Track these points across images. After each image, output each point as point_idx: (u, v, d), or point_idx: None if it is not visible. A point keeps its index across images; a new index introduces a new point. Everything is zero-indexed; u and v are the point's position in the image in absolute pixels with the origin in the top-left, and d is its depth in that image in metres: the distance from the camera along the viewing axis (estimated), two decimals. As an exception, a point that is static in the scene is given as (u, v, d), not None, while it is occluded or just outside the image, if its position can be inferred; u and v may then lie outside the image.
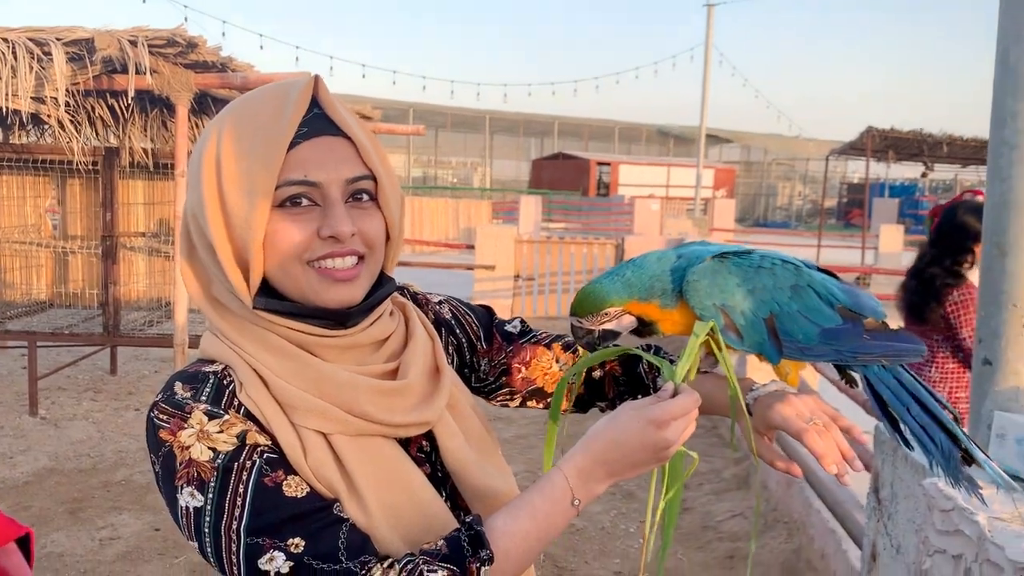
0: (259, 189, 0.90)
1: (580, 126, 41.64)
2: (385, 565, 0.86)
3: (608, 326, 1.10)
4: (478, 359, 1.18)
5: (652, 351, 1.18)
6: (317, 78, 0.96)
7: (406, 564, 0.86)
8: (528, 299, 10.49)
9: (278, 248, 0.92)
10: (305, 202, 0.92)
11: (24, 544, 1.27)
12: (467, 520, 0.91)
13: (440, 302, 1.18)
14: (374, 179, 0.97)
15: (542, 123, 40.56)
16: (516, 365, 1.19)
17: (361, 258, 0.96)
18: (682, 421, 0.92)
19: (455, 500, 1.02)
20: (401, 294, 1.13)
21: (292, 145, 0.91)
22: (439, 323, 1.15)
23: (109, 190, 5.96)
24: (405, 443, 1.00)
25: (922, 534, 1.53)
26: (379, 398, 0.95)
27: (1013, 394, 1.64)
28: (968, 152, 15.61)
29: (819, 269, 1.15)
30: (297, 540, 0.86)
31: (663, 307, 1.08)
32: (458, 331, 1.17)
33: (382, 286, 1.02)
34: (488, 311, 1.23)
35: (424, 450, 1.02)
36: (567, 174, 32.42)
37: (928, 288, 3.21)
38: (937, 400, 1.09)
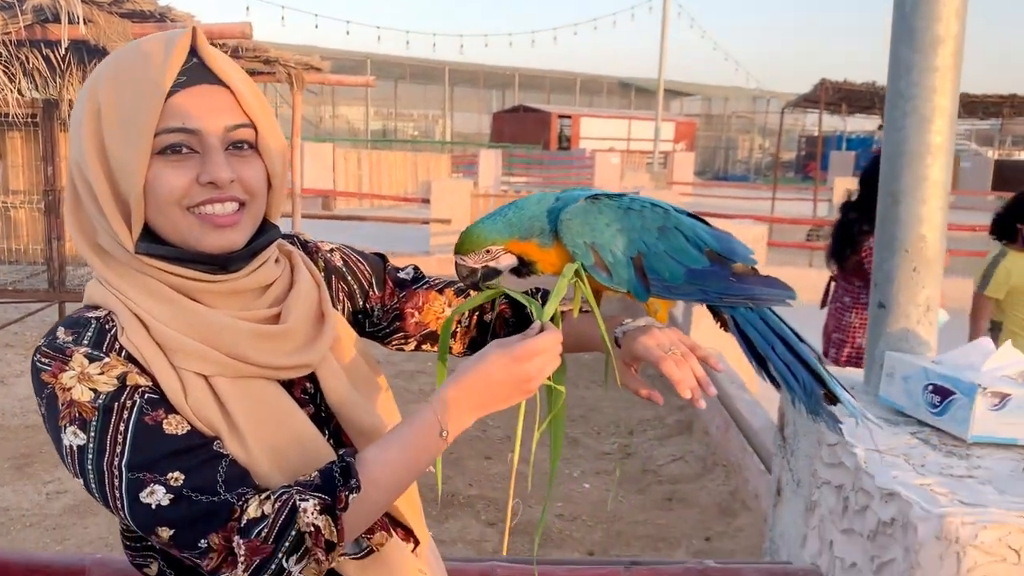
0: (138, 136, 0.92)
1: (541, 78, 41.30)
2: (262, 497, 0.91)
3: (490, 264, 1.14)
4: (371, 305, 1.22)
5: (540, 294, 1.23)
6: (195, 29, 0.98)
7: (281, 495, 0.91)
8: (484, 252, 10.51)
9: (158, 194, 0.95)
10: (185, 150, 0.95)
11: None
12: (340, 453, 0.96)
13: (332, 250, 1.21)
14: (255, 128, 0.99)
15: (503, 75, 40.15)
16: (409, 310, 1.23)
17: (242, 205, 0.99)
18: (544, 357, 0.97)
19: (339, 438, 1.07)
20: (292, 243, 1.16)
21: (171, 94, 0.94)
22: (330, 270, 1.19)
23: (50, 144, 5.84)
24: (289, 384, 1.04)
25: (813, 467, 1.62)
26: (259, 342, 0.99)
27: (903, 335, 1.72)
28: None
29: (692, 216, 1.20)
30: (176, 474, 0.90)
31: (541, 246, 1.13)
32: (349, 278, 1.20)
33: (266, 234, 1.05)
34: (382, 258, 1.27)
35: (308, 391, 1.06)
36: (528, 127, 32.23)
37: (846, 235, 3.30)
38: (803, 342, 1.16)
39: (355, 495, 0.91)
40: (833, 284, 3.81)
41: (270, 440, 0.97)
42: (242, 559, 0.89)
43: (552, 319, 1.03)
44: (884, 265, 1.73)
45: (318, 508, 0.90)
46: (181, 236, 0.97)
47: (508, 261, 1.15)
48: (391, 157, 19.45)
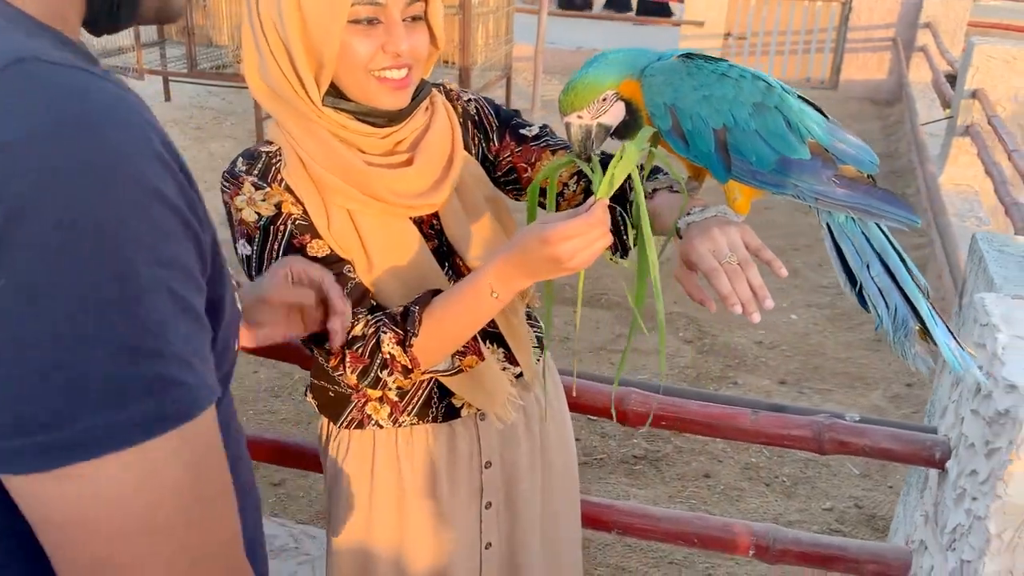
0: (338, 9, 1.07)
1: None
2: (368, 318, 1.13)
3: (602, 119, 1.10)
4: (492, 154, 1.32)
5: (653, 170, 1.24)
6: None
7: (375, 321, 1.13)
8: (737, 60, 9.96)
9: (350, 58, 1.10)
10: (373, 21, 1.09)
11: None
12: (419, 297, 1.15)
13: (468, 100, 1.31)
14: (425, 1, 1.13)
15: None
16: (522, 165, 1.29)
17: (410, 69, 1.14)
18: (577, 241, 0.99)
19: (459, 270, 1.24)
20: (438, 90, 1.29)
21: None
22: (467, 117, 1.30)
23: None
24: (420, 221, 1.22)
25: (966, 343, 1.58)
26: (393, 183, 1.16)
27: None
28: None
29: (808, 103, 1.09)
30: None
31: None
32: (482, 125, 1.31)
33: (421, 89, 1.20)
34: (513, 113, 1.34)
35: (434, 227, 1.23)
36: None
37: None
38: (908, 270, 1.05)
39: (415, 338, 1.11)
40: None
41: (393, 264, 1.17)
42: (349, 365, 1.13)
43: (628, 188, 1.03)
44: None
45: (394, 340, 1.11)
46: (363, 94, 1.13)
47: (618, 112, 1.10)
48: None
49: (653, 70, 1.06)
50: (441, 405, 1.27)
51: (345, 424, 1.29)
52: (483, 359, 1.21)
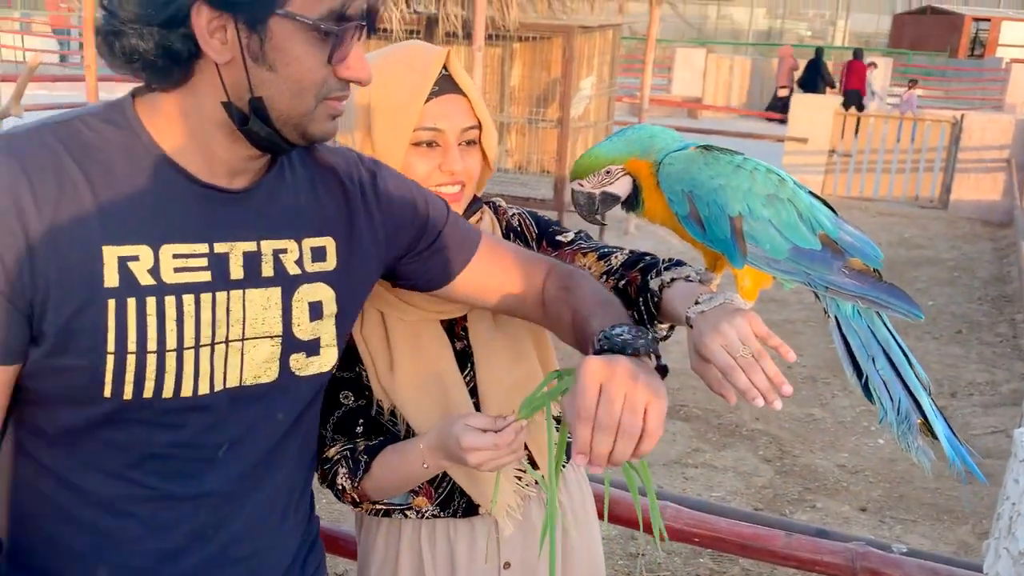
0: (403, 132, 1.24)
1: (961, -26, 36.02)
2: (341, 444, 1.28)
3: (608, 189, 1.15)
4: None
5: (674, 264, 1.27)
6: (448, 52, 1.27)
7: (341, 449, 1.26)
8: (842, 177, 9.90)
9: (410, 175, 1.25)
10: (433, 144, 1.26)
11: None
12: (373, 445, 1.27)
13: (512, 214, 1.43)
14: (479, 127, 1.29)
15: (914, -29, 35.65)
16: None
17: (463, 185, 1.29)
18: (486, 454, 1.12)
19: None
20: (489, 206, 1.42)
21: (427, 99, 1.24)
22: (510, 229, 1.41)
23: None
24: (453, 322, 1.32)
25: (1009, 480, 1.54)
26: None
27: None
28: None
29: (818, 198, 1.13)
30: None
31: (653, 175, 1.13)
32: (523, 235, 1.41)
33: (472, 204, 1.35)
34: (552, 222, 1.44)
35: (465, 328, 1.33)
36: (934, 31, 28.57)
37: None
38: (912, 366, 1.07)
39: (362, 481, 1.26)
40: None
41: (415, 369, 1.27)
42: (318, 476, 1.28)
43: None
44: None
45: (346, 476, 1.26)
46: None
47: (624, 185, 1.16)
48: (765, 66, 18.62)
49: (672, 159, 1.11)
50: (462, 500, 1.34)
51: (374, 511, 1.37)
52: (434, 502, 1.32)
